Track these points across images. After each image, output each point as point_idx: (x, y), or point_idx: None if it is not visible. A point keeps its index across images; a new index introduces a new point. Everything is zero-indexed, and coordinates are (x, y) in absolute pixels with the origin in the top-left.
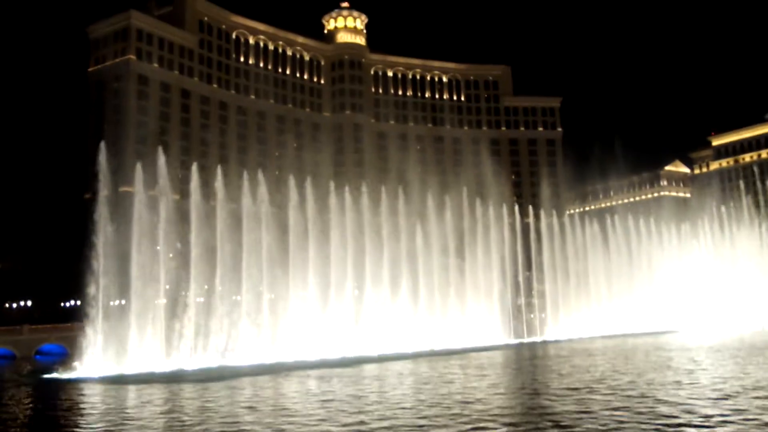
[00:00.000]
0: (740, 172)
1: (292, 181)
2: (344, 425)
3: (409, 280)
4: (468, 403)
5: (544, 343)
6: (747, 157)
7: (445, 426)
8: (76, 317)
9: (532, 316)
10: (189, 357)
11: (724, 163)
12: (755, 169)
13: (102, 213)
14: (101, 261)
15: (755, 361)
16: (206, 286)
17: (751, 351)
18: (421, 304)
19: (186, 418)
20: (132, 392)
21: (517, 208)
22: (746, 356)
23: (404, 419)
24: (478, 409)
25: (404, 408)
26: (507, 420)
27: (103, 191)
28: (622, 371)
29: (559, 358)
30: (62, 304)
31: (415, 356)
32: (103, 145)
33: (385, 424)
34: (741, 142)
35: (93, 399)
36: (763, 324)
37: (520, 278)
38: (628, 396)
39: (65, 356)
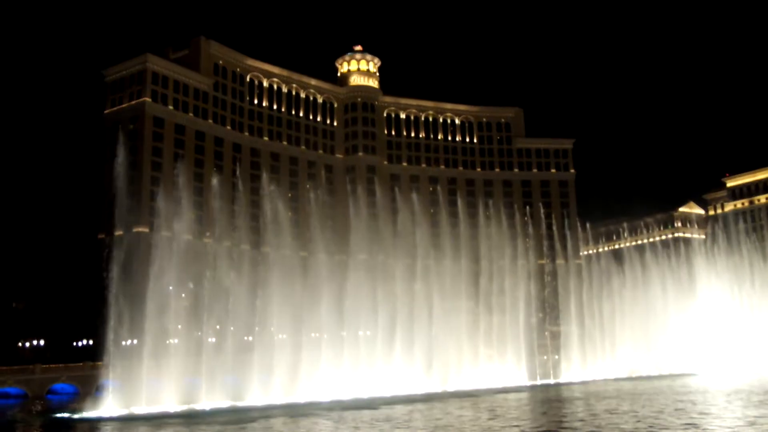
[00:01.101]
0: (755, 214)
1: (316, 231)
2: None
3: (421, 323)
4: None
5: (557, 385)
6: (762, 198)
7: None
8: (87, 356)
9: (545, 357)
10: (202, 397)
11: (738, 204)
12: None
13: (117, 253)
14: (116, 301)
15: None
16: (218, 326)
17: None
18: (432, 345)
19: None
20: None
21: (530, 250)
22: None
23: None
24: None
25: None
26: None
27: (118, 232)
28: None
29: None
30: (74, 344)
31: (427, 398)
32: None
33: None
34: (756, 183)
35: None
36: None
37: (533, 320)
38: None
39: (77, 395)
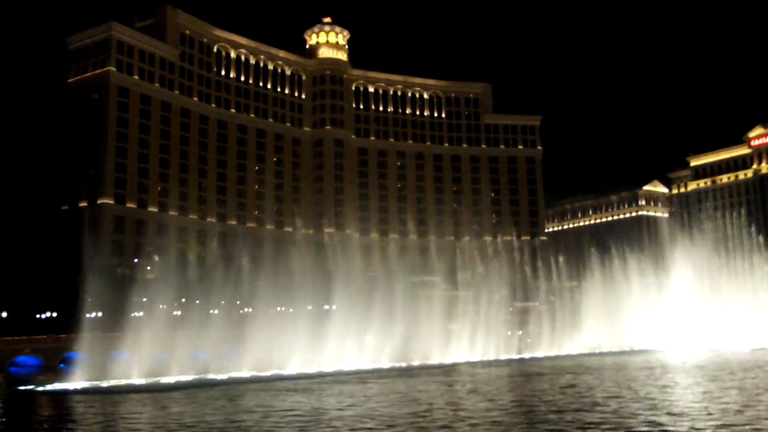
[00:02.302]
0: (718, 193)
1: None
2: None
3: (388, 298)
4: None
5: (521, 360)
6: (725, 178)
7: None
8: (51, 329)
9: (509, 333)
10: (171, 371)
11: (702, 183)
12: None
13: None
14: (82, 273)
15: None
16: (183, 300)
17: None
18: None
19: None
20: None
21: (496, 226)
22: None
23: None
24: None
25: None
26: None
27: (82, 203)
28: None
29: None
30: (38, 316)
31: (396, 372)
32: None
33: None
34: (719, 163)
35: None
36: (745, 343)
37: (497, 297)
38: None
39: (40, 368)
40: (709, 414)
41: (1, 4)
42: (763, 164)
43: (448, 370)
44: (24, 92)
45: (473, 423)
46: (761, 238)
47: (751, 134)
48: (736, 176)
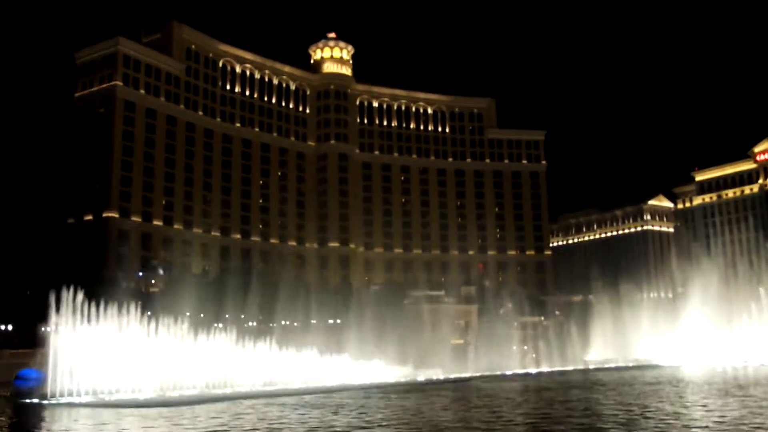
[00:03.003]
0: (723, 208)
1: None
2: None
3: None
4: None
5: (526, 375)
6: (730, 193)
7: None
8: (53, 342)
9: (514, 348)
10: (168, 385)
11: (707, 198)
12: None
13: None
14: (82, 285)
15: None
16: (187, 313)
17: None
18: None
19: None
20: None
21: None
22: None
23: None
24: None
25: None
26: None
27: (87, 216)
28: None
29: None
30: (42, 329)
31: (398, 387)
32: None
33: None
34: (724, 177)
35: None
36: (744, 360)
37: (502, 311)
38: None
39: (42, 381)
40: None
41: (9, 18)
42: None
43: (458, 386)
44: (31, 106)
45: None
46: None
47: (757, 149)
48: (742, 191)
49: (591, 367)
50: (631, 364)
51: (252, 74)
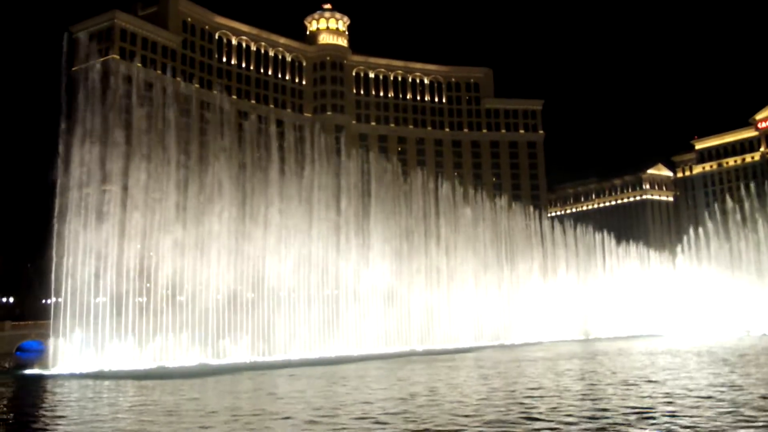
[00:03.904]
0: (723, 176)
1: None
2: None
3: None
4: None
5: (512, 346)
6: (731, 161)
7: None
8: (55, 314)
9: (510, 317)
10: (169, 354)
11: (707, 167)
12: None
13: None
14: (76, 257)
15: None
16: (187, 285)
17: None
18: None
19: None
20: (103, 388)
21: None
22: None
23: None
24: None
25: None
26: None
27: (84, 189)
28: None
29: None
30: (44, 301)
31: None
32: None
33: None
34: (724, 146)
35: (69, 394)
36: (747, 329)
37: (498, 281)
38: None
39: (44, 352)
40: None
41: None
42: None
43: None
44: (28, 80)
45: None
46: None
47: (758, 116)
48: (743, 159)
49: (591, 337)
50: (623, 335)
51: (248, 46)
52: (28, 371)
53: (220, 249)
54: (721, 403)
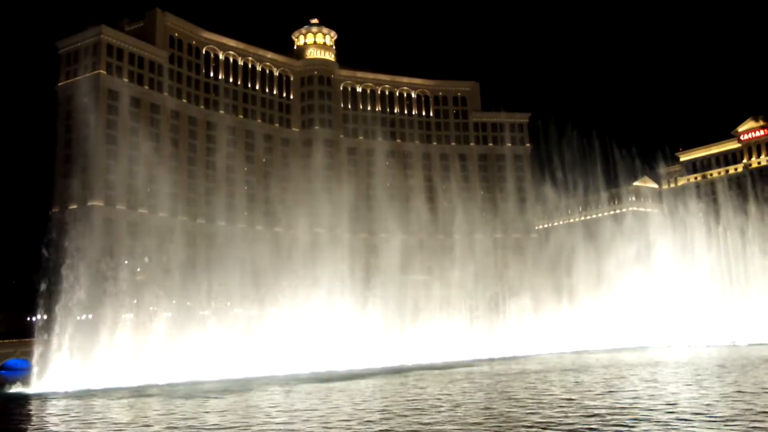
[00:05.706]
0: (709, 188)
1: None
2: None
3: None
4: None
5: (503, 359)
6: (715, 173)
7: None
8: (40, 332)
9: (497, 330)
10: (157, 371)
11: (692, 178)
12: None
13: (72, 227)
14: (68, 275)
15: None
16: (174, 301)
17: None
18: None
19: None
20: (95, 406)
21: (486, 224)
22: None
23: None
24: None
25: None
26: None
27: (72, 206)
28: None
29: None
30: (29, 319)
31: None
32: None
33: None
34: (709, 157)
35: (50, 413)
36: (733, 339)
37: (488, 294)
38: None
39: (28, 371)
40: None
41: None
42: (753, 158)
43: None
44: (14, 96)
45: None
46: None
47: (741, 128)
48: (727, 171)
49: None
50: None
51: (235, 61)
52: (12, 390)
53: None
54: None
